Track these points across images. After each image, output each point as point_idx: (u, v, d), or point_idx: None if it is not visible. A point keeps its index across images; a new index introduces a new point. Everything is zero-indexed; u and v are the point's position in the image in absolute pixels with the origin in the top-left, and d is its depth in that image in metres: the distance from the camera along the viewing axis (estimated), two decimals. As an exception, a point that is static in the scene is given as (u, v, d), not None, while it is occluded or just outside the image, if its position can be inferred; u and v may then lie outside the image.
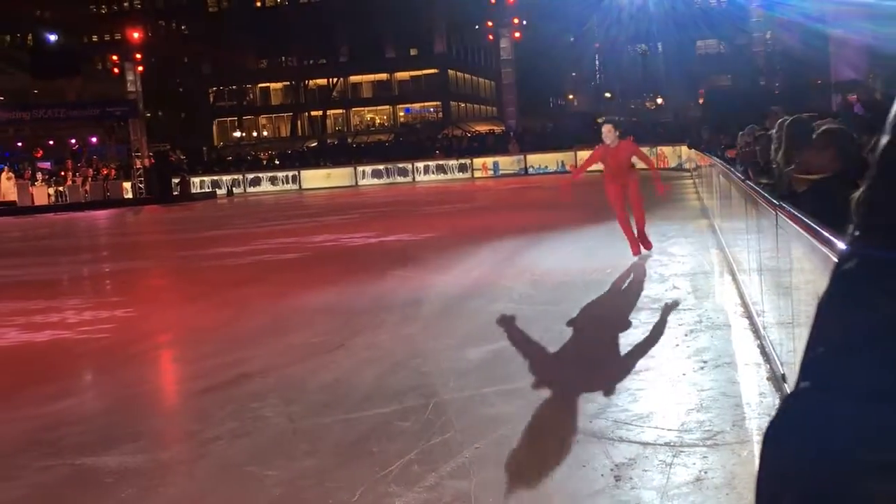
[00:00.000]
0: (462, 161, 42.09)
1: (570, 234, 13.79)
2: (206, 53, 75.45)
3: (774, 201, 5.50)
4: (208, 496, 4.55)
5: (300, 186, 43.09)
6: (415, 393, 5.95)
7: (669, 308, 8.21)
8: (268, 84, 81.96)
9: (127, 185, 41.33)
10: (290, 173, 44.50)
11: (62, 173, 41.31)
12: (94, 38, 77.89)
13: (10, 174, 38.79)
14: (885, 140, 0.88)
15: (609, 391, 5.66)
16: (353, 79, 79.54)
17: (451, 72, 79.23)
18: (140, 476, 4.80)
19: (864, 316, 0.82)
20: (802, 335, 3.37)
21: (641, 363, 6.31)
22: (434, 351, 7.21)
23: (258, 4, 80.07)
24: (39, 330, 9.46)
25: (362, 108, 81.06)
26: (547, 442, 4.87)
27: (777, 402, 5.13)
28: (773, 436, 0.84)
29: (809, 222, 4.10)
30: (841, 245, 2.59)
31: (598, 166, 11.90)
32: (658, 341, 6.98)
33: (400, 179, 41.99)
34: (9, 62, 61.05)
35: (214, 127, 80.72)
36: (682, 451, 4.53)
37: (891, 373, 0.78)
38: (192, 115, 76.78)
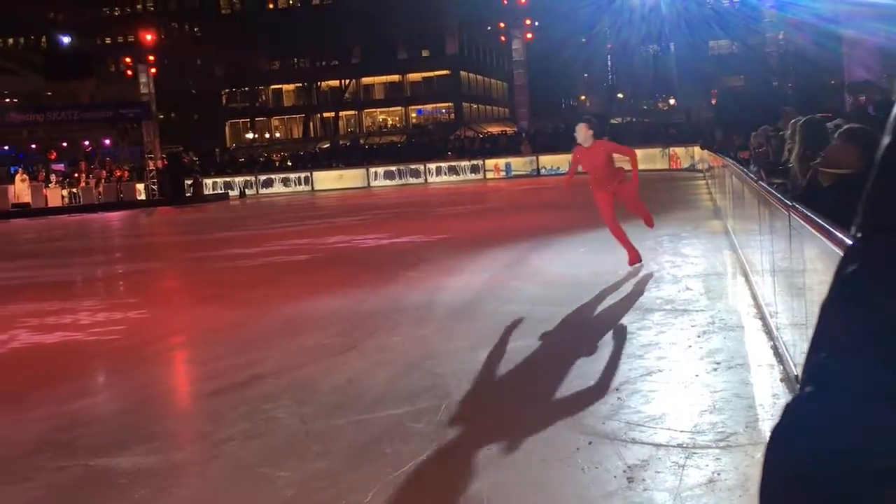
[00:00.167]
0: (474, 162, 42.06)
1: (583, 236, 13.75)
2: (218, 55, 75.63)
3: (787, 202, 5.49)
4: (221, 497, 4.56)
5: (312, 188, 43.14)
6: (428, 394, 5.95)
7: (682, 309, 8.19)
8: (280, 85, 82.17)
9: (140, 186, 41.49)
10: (303, 175, 44.56)
11: (75, 175, 41.49)
12: (108, 41, 78.21)
13: (25, 176, 38.96)
14: (886, 141, 0.88)
15: (621, 393, 5.65)
16: (365, 80, 79.62)
17: (463, 73, 79.24)
18: (153, 477, 4.82)
19: (868, 317, 0.82)
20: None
21: (654, 364, 6.29)
22: (447, 352, 7.21)
23: (270, 6, 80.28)
24: (53, 331, 9.50)
25: (374, 110, 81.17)
26: (559, 443, 4.86)
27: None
28: (779, 439, 0.84)
29: (822, 223, 4.09)
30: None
31: None
32: (671, 342, 6.96)
33: (412, 181, 41.99)
34: (22, 64, 61.32)
35: (227, 128, 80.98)
36: (694, 453, 4.52)
37: (894, 373, 0.78)
38: (205, 117, 77.04)
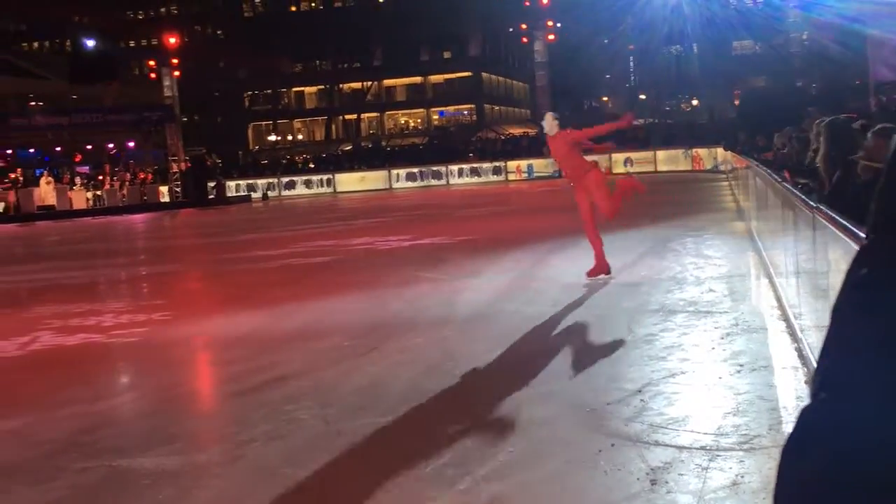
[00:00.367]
0: (496, 164, 42.05)
1: (604, 237, 13.70)
2: (241, 58, 75.96)
3: (812, 203, 5.45)
4: (244, 498, 4.57)
5: (334, 190, 43.25)
6: (449, 396, 5.95)
7: (705, 311, 8.14)
8: (302, 88, 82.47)
9: (163, 188, 41.74)
10: (325, 177, 44.69)
11: (100, 177, 41.77)
12: (132, 44, 78.67)
13: (50, 178, 39.27)
14: None
15: (644, 395, 5.62)
16: (387, 82, 79.77)
17: (484, 74, 79.22)
18: (176, 478, 4.84)
19: (880, 320, 0.81)
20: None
21: (677, 366, 6.26)
22: (468, 354, 7.21)
23: (293, 9, 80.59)
24: (77, 333, 9.57)
25: (396, 112, 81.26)
26: (582, 445, 4.84)
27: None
28: (794, 447, 0.83)
29: (847, 224, 4.05)
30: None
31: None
32: (694, 344, 6.92)
33: (434, 182, 42.03)
34: (48, 68, 61.81)
35: (250, 131, 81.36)
36: (718, 455, 4.50)
37: None
38: (228, 120, 77.42)
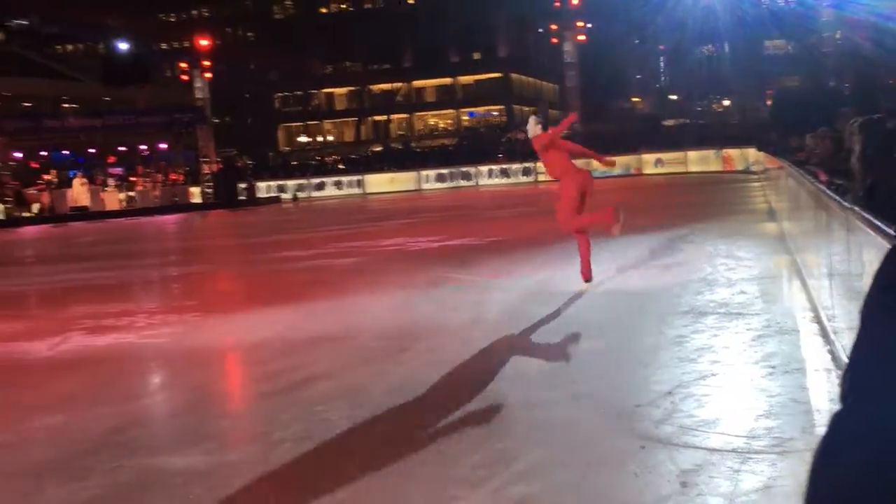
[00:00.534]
0: (526, 165, 41.93)
1: (633, 239, 13.63)
2: (272, 60, 76.41)
3: (845, 204, 5.40)
4: (274, 498, 4.59)
5: (364, 191, 43.36)
6: (479, 397, 5.94)
7: (737, 313, 8.09)
8: (332, 89, 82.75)
9: (195, 190, 42.06)
10: (355, 178, 44.81)
11: (132, 179, 42.13)
12: (164, 46, 79.28)
13: (83, 180, 39.64)
14: None
15: (675, 396, 5.59)
16: (417, 83, 79.87)
17: (514, 75, 79.08)
18: (208, 477, 4.87)
19: None
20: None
21: (708, 368, 6.22)
22: (498, 354, 7.20)
23: (323, 11, 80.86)
24: (110, 332, 9.65)
25: (426, 113, 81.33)
26: (612, 447, 4.82)
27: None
28: (827, 453, 0.82)
29: (881, 225, 4.01)
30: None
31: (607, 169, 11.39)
32: (725, 346, 6.88)
33: (463, 183, 42.03)
34: (81, 70, 62.45)
35: (280, 132, 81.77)
36: (750, 458, 4.46)
37: None
38: (259, 121, 77.84)
